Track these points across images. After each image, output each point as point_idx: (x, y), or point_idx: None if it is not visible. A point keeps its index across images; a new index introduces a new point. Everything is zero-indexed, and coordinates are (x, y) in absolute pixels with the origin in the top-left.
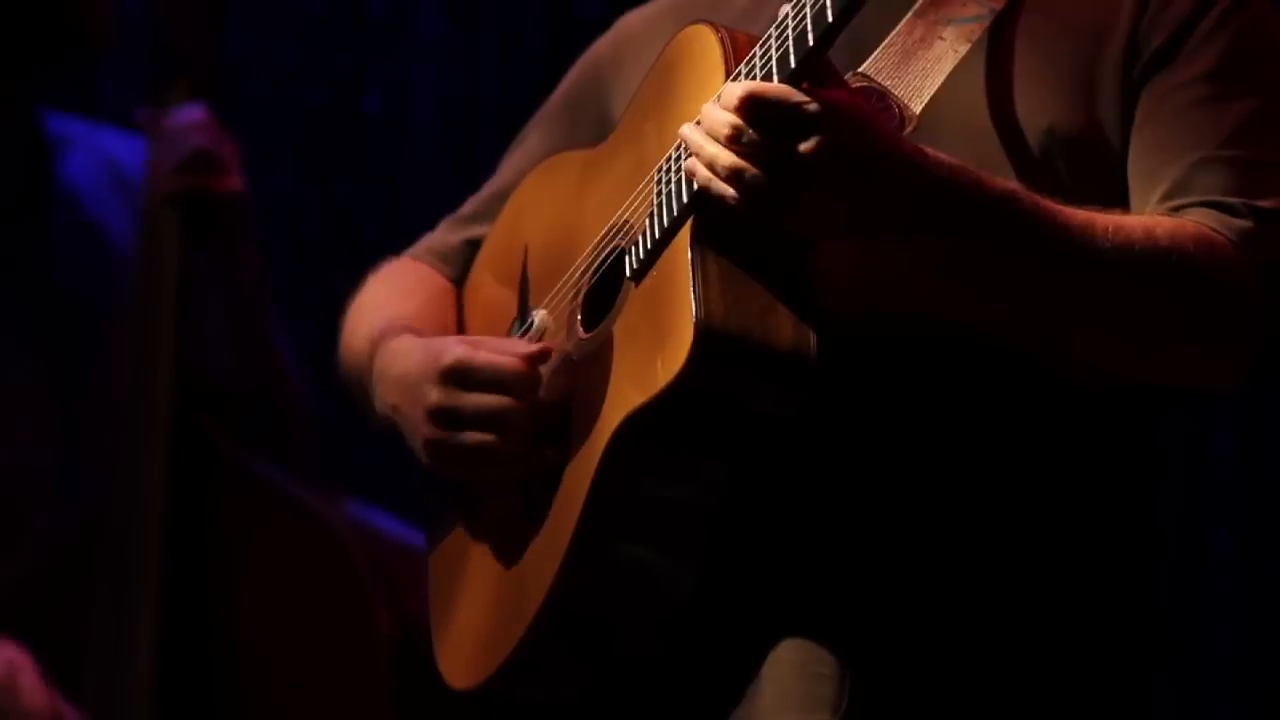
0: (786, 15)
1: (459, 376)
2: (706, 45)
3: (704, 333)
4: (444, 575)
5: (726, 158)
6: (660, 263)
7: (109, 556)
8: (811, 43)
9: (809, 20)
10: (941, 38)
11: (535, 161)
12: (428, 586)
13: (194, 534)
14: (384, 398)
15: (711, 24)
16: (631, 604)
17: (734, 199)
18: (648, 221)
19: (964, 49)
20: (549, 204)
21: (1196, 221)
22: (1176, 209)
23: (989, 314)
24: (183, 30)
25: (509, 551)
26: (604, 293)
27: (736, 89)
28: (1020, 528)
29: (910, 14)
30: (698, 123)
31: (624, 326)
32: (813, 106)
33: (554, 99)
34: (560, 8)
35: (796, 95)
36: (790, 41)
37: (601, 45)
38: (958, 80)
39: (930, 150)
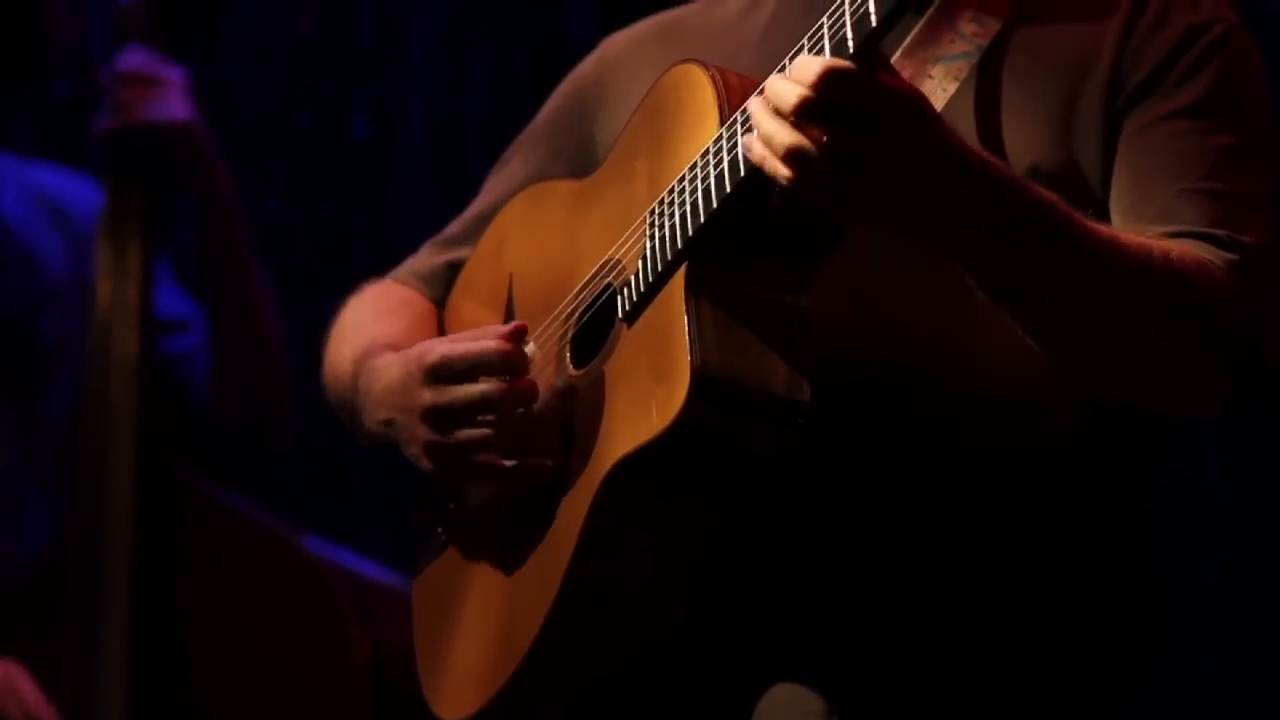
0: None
1: (444, 372)
2: (699, 85)
3: (700, 378)
4: (429, 603)
5: (788, 134)
6: (654, 306)
7: (77, 586)
8: (875, 24)
9: (871, 3)
10: (930, 76)
11: (518, 185)
12: (410, 613)
13: (162, 565)
14: (374, 415)
15: (703, 64)
16: (623, 638)
17: (787, 178)
18: (640, 264)
19: (952, 87)
20: (535, 235)
21: (1196, 249)
22: (1164, 236)
23: (1016, 323)
24: None
25: (499, 583)
26: (594, 330)
27: (813, 63)
28: (1008, 562)
29: (898, 53)
30: (761, 91)
31: (616, 367)
32: (887, 90)
33: (537, 122)
34: (548, 29)
35: (874, 76)
36: (848, 24)
37: (585, 68)
38: (948, 119)
39: (981, 151)
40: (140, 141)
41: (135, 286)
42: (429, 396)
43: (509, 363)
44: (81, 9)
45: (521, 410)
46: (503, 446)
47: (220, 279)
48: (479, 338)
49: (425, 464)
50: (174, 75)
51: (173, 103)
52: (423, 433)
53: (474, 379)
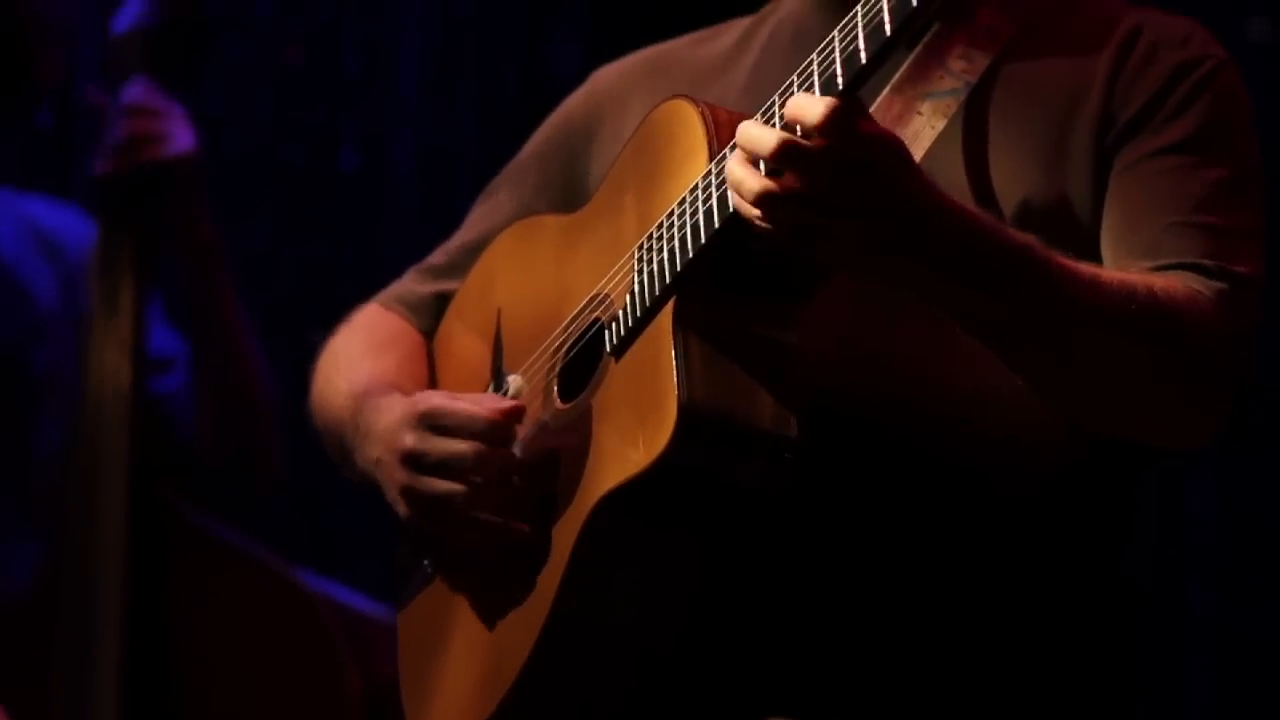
0: (833, 38)
1: (432, 422)
2: (688, 121)
3: (687, 413)
4: (415, 634)
5: (756, 179)
6: (641, 340)
7: (67, 620)
8: (864, 60)
9: (861, 37)
10: (919, 113)
11: (506, 216)
12: (396, 644)
13: (154, 599)
14: (367, 453)
15: (692, 99)
16: (610, 671)
17: (758, 217)
18: (628, 298)
19: (940, 124)
20: (524, 269)
21: (1184, 280)
22: (1153, 270)
23: (1003, 361)
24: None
25: (485, 615)
26: (581, 364)
27: (792, 105)
28: (996, 595)
29: (887, 90)
30: (733, 147)
31: (603, 401)
32: (863, 134)
33: (525, 153)
34: (536, 62)
35: (851, 120)
36: (838, 61)
37: (574, 101)
38: (936, 156)
39: (957, 200)
40: (143, 180)
41: (128, 323)
42: (410, 440)
43: (495, 433)
44: (67, 41)
45: (491, 480)
46: (470, 507)
47: (202, 318)
48: (477, 402)
49: (400, 507)
50: (176, 108)
51: (180, 137)
52: (399, 475)
53: (457, 436)
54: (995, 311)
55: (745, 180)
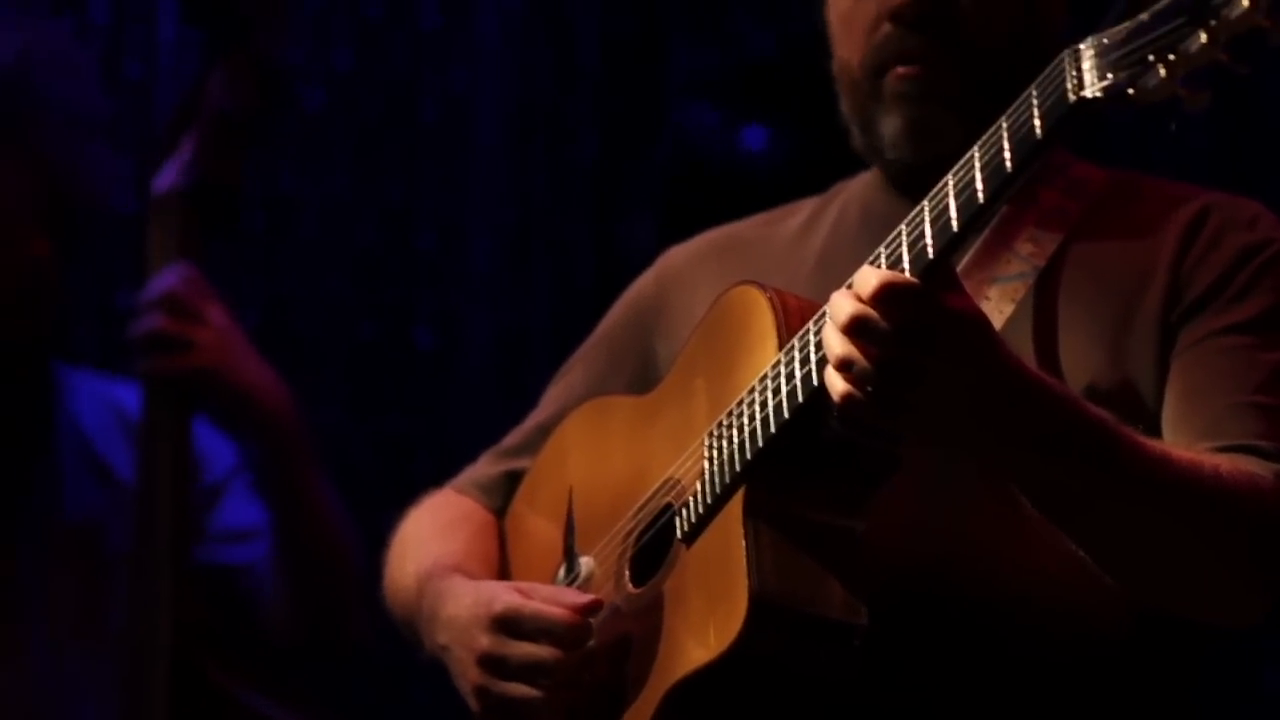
0: (923, 207)
1: (509, 625)
2: (758, 308)
3: (758, 602)
4: None
5: (841, 344)
6: (712, 527)
7: None
8: (932, 255)
9: (953, 208)
10: (987, 298)
11: (579, 396)
12: None
13: None
14: (434, 637)
15: (762, 286)
16: None
17: (840, 393)
18: (699, 485)
19: (1009, 309)
20: (596, 449)
21: (1243, 462)
22: (1213, 450)
23: (1068, 536)
24: (224, 169)
25: None
26: (653, 547)
27: (871, 277)
28: None
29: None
30: (821, 315)
31: (675, 587)
32: (944, 309)
33: (597, 334)
34: (608, 241)
35: (932, 294)
36: (928, 234)
37: (644, 282)
38: (1005, 340)
39: (1037, 371)
40: (175, 382)
41: (169, 492)
42: (486, 643)
43: (574, 635)
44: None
45: (572, 681)
46: (547, 709)
47: (277, 496)
48: (552, 600)
49: (471, 702)
50: (213, 304)
51: (208, 344)
52: (474, 674)
53: (536, 640)
54: (1068, 482)
55: (829, 345)
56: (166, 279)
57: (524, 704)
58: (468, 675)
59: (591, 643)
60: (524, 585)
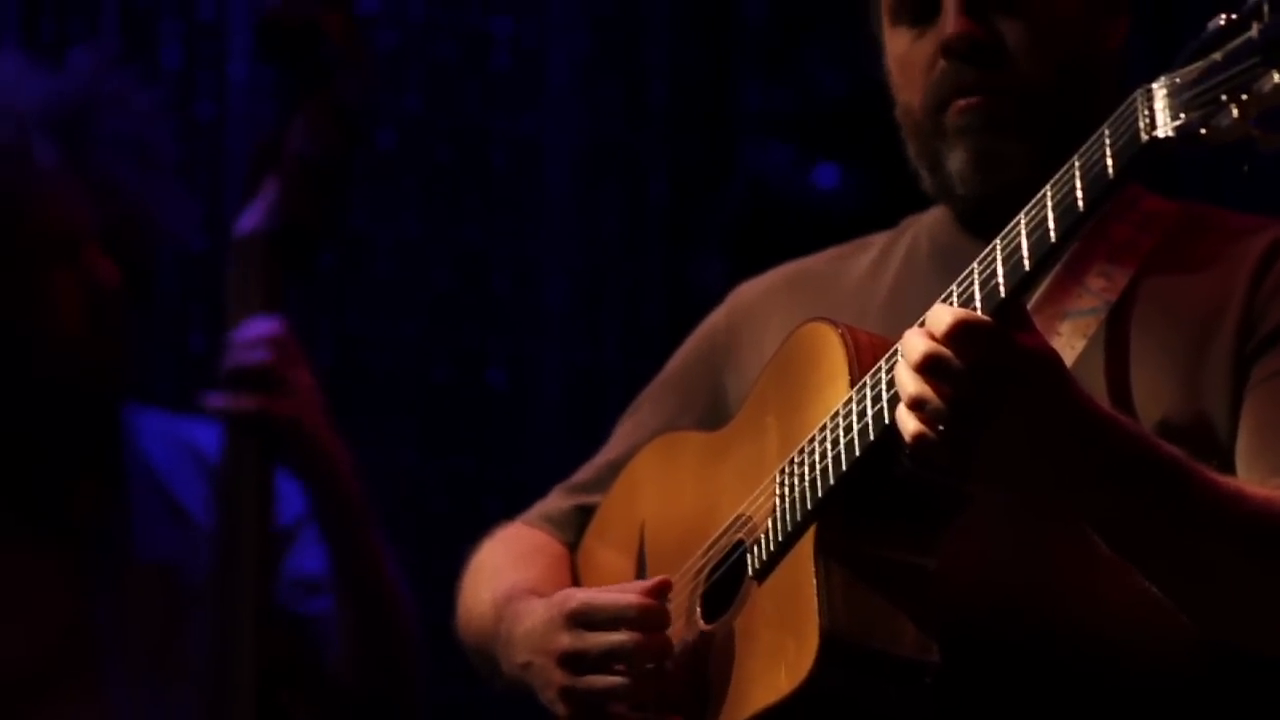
0: (995, 246)
1: (584, 618)
2: (829, 345)
3: (829, 640)
4: None
5: (914, 383)
6: (784, 565)
7: None
8: (1028, 268)
9: (1025, 246)
10: (1058, 333)
11: (650, 432)
12: None
13: None
14: (513, 659)
15: (833, 322)
16: None
17: (912, 433)
18: (770, 522)
19: (1080, 344)
20: (667, 485)
21: None
22: None
23: (1141, 574)
24: (307, 212)
25: None
26: (724, 583)
27: (945, 315)
28: None
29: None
30: (893, 353)
31: (746, 624)
32: (1017, 347)
33: (668, 370)
34: (679, 279)
35: (1005, 333)
36: (1000, 273)
37: (716, 318)
38: (1077, 375)
39: (1109, 409)
40: (259, 428)
41: (252, 536)
42: (566, 640)
43: (649, 617)
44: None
45: (654, 665)
46: (635, 698)
47: (343, 555)
48: (623, 590)
49: (559, 709)
50: (297, 366)
51: (288, 397)
52: (558, 676)
53: (613, 628)
54: (1141, 520)
55: (902, 383)
56: (267, 323)
57: (609, 694)
58: (551, 681)
59: (669, 661)
60: (591, 585)
